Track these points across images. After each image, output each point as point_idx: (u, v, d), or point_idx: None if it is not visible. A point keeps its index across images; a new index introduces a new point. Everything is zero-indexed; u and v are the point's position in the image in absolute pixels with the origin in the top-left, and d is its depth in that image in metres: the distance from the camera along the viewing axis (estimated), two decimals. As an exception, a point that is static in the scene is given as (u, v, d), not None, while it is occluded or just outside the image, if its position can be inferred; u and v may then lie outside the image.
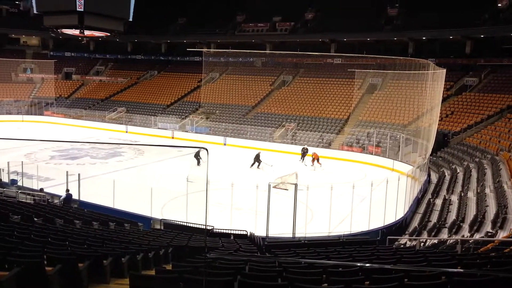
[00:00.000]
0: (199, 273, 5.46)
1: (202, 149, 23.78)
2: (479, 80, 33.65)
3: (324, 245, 10.48)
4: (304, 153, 26.13)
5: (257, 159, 24.26)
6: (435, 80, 24.82)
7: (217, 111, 38.14)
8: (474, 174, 19.42)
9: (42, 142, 27.76)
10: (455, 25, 33.95)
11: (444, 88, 27.38)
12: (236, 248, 9.92)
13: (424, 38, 37.14)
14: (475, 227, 12.40)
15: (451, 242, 11.51)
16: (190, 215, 13.74)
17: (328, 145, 30.06)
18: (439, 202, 16.90)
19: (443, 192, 18.17)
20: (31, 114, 41.96)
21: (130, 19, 18.60)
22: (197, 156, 23.71)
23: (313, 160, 25.07)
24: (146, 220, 14.81)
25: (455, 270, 5.63)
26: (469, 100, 31.57)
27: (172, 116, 38.47)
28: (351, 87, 36.13)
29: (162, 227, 14.12)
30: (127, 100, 43.43)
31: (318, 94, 37.30)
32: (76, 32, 18.66)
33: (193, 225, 13.34)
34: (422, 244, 12.32)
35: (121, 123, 38.64)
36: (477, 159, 21.97)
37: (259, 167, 24.10)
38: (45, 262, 5.47)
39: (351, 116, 33.11)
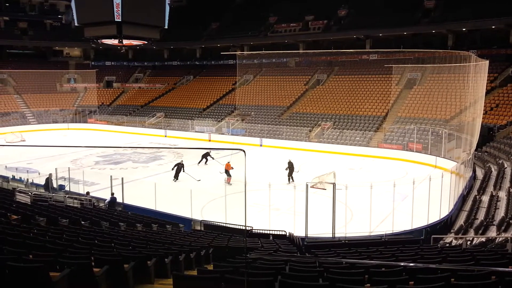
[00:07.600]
0: (240, 273, 5.50)
1: (239, 150, 23.90)
2: (526, 70, 31.95)
3: (366, 245, 10.30)
4: (290, 167, 20.76)
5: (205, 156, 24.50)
6: (478, 72, 23.82)
7: (253, 113, 38.32)
8: (523, 169, 18.46)
9: (87, 149, 28.95)
10: (497, 14, 32.37)
11: (487, 80, 26.21)
12: (276, 249, 9.93)
13: (464, 29, 35.66)
14: (526, 225, 11.78)
15: (500, 240, 10.99)
16: (229, 216, 13.90)
17: (367, 143, 29.51)
18: (485, 198, 16.17)
19: (490, 188, 17.38)
20: (76, 122, 43.83)
21: (166, 27, 19.09)
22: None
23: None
24: (187, 221, 15.10)
25: (507, 269, 5.37)
26: (516, 92, 30.02)
27: (209, 119, 39.05)
28: (388, 83, 35.24)
29: (203, 228, 14.36)
30: (165, 105, 44.52)
31: (354, 92, 36.65)
32: (115, 41, 19.39)
33: (232, 226, 13.48)
34: (468, 242, 11.84)
35: (160, 128, 39.64)
36: (526, 153, 20.89)
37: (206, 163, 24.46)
38: (93, 263, 5.70)
39: (389, 112, 32.29)
